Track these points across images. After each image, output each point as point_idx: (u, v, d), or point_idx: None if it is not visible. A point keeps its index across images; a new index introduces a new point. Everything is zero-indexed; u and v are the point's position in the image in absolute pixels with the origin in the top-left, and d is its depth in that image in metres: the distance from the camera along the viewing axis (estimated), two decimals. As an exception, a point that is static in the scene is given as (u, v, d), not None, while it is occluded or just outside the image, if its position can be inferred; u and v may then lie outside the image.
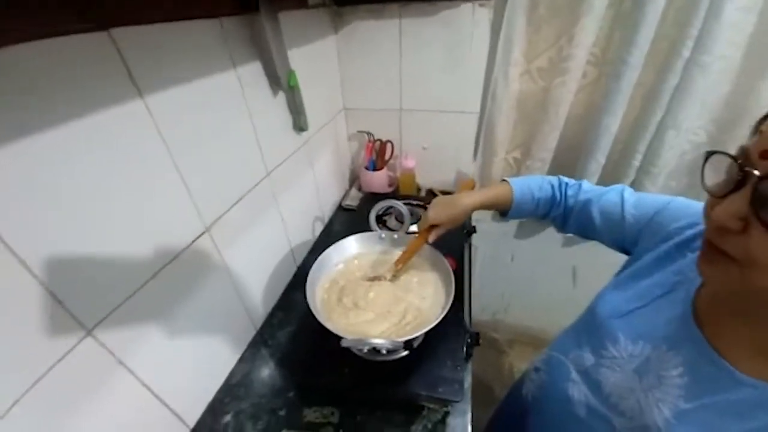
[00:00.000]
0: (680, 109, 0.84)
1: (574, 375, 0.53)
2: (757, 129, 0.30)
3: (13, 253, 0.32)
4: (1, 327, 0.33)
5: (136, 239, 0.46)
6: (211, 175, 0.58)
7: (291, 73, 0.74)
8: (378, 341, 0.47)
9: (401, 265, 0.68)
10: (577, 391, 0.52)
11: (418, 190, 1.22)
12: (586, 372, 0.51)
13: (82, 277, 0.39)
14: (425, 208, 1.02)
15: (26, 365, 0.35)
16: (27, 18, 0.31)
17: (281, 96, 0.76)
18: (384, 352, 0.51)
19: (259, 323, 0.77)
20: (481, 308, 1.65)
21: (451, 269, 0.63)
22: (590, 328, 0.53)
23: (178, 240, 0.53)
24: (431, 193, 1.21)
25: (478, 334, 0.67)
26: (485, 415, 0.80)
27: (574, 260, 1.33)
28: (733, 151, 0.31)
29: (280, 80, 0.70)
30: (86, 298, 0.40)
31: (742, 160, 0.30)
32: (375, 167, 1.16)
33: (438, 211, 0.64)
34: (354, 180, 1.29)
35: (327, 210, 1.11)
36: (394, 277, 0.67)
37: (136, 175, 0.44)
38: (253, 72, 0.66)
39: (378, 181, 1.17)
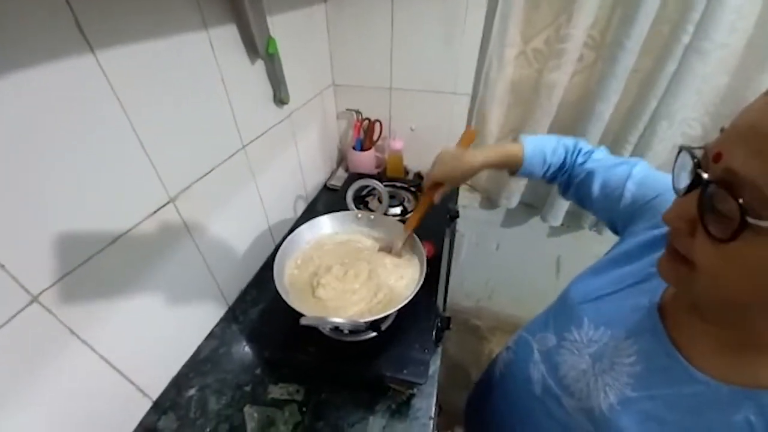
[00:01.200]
0: (675, 98, 0.81)
1: (536, 355, 0.53)
2: (722, 128, 0.28)
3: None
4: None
5: (90, 204, 0.43)
6: (176, 143, 0.55)
7: (270, 40, 0.70)
8: (337, 320, 0.46)
9: (411, 230, 0.65)
10: (537, 370, 0.52)
11: (406, 172, 1.19)
12: (548, 353, 0.51)
13: (27, 241, 0.37)
14: (410, 191, 1.01)
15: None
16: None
17: (260, 64, 0.72)
18: (346, 331, 0.50)
19: (231, 299, 0.76)
20: (465, 294, 1.66)
21: (424, 253, 0.61)
22: (560, 311, 0.53)
23: (137, 208, 0.50)
24: (419, 176, 1.18)
25: (449, 318, 0.67)
26: (463, 400, 0.81)
27: (559, 250, 1.33)
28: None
29: (258, 46, 0.67)
30: (32, 262, 0.38)
31: (700, 160, 0.28)
32: (362, 147, 1.13)
33: (444, 168, 0.60)
34: (342, 160, 1.26)
35: (311, 189, 1.08)
36: (405, 244, 0.65)
37: (88, 137, 0.42)
38: (227, 35, 0.62)
39: (365, 161, 1.14)
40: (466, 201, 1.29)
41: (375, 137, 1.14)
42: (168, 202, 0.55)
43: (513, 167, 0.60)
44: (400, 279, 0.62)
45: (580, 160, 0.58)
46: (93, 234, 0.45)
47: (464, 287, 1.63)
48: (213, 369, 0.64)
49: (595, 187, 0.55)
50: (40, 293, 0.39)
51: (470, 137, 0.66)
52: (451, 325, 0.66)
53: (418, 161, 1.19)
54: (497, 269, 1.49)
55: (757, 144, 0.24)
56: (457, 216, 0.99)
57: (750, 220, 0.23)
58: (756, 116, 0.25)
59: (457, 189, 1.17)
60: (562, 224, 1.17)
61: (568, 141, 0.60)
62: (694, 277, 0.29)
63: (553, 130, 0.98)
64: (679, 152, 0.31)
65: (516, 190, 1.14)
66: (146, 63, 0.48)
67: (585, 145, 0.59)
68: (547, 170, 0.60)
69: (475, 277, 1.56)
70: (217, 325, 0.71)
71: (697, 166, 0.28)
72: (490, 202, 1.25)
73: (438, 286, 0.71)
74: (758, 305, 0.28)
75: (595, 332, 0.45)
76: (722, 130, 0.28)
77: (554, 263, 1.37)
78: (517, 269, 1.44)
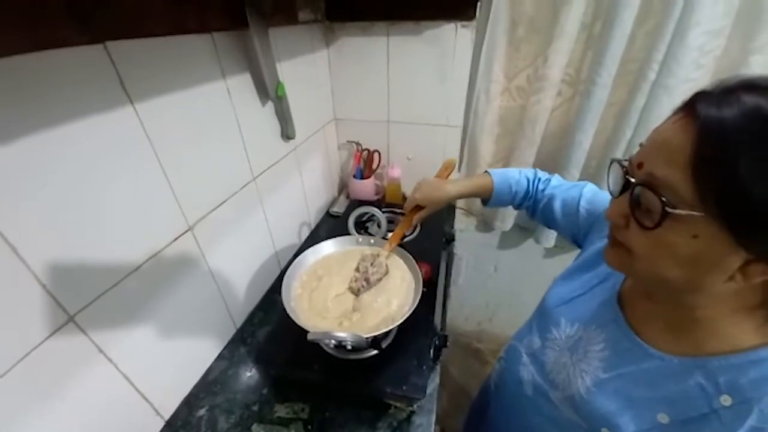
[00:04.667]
0: (647, 129, 0.89)
1: (525, 358, 0.58)
2: (641, 144, 0.36)
3: (3, 238, 0.36)
4: (-12, 308, 0.36)
5: (120, 233, 0.49)
6: (196, 176, 0.61)
7: (279, 85, 0.78)
8: (342, 335, 0.50)
9: (394, 244, 0.72)
10: (527, 372, 0.57)
11: (404, 198, 1.25)
12: (534, 354, 0.56)
13: (66, 265, 0.43)
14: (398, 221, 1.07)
15: (8, 345, 0.38)
16: (28, 30, 0.35)
17: (269, 105, 0.80)
18: (349, 347, 0.54)
19: (239, 322, 0.80)
20: (465, 318, 1.68)
21: (420, 273, 0.66)
22: (540, 316, 0.58)
23: (161, 236, 0.56)
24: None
25: (446, 336, 0.70)
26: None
27: (554, 270, 1.35)
28: None
29: (269, 90, 0.75)
30: (70, 285, 0.43)
31: (627, 169, 0.36)
32: (362, 176, 1.20)
33: (423, 195, 0.69)
34: (343, 188, 1.33)
35: (314, 216, 1.14)
36: (389, 254, 0.71)
37: (123, 173, 0.48)
38: (242, 82, 0.70)
39: (365, 189, 1.21)
40: (463, 225, 1.35)
41: (374, 166, 1.22)
42: (187, 230, 0.61)
43: (484, 196, 0.70)
44: (394, 300, 0.66)
45: (540, 187, 0.67)
46: (122, 261, 0.50)
47: (464, 310, 1.65)
48: (222, 389, 0.67)
49: (557, 208, 0.63)
50: (76, 313, 0.44)
51: (449, 167, 0.74)
52: (448, 343, 0.69)
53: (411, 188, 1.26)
54: (496, 291, 1.52)
55: (669, 155, 0.32)
56: (453, 239, 1.04)
57: (669, 210, 0.31)
58: (667, 134, 0.33)
59: (454, 213, 1.23)
60: (555, 245, 1.22)
61: (529, 172, 0.69)
62: (632, 261, 0.38)
63: (538, 158, 1.05)
64: (610, 164, 0.39)
65: (509, 213, 1.20)
66: (174, 110, 0.55)
67: (543, 174, 0.69)
68: (514, 198, 0.68)
69: (475, 300, 1.59)
70: (226, 347, 0.75)
71: (626, 173, 0.37)
72: (485, 225, 1.31)
73: (435, 306, 0.75)
74: (683, 288, 0.35)
75: (571, 329, 0.52)
76: (641, 145, 0.37)
77: (551, 283, 1.40)
78: (516, 290, 1.47)
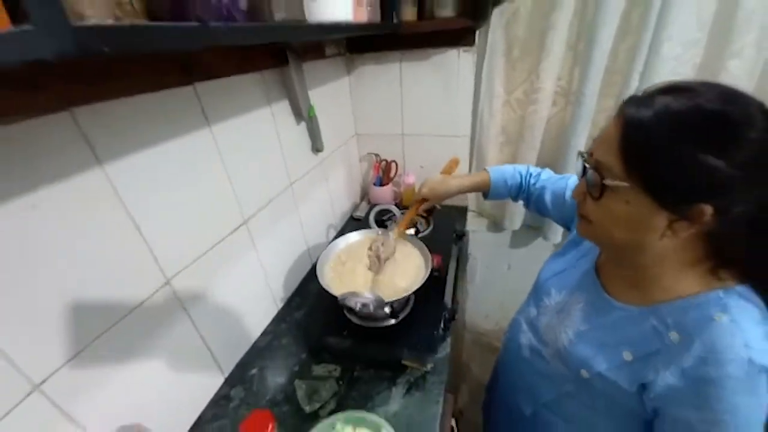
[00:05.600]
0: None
1: (524, 326, 0.69)
2: (594, 138, 0.49)
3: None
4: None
5: (196, 226, 0.66)
6: (249, 182, 0.78)
7: (311, 107, 0.95)
8: (366, 295, 0.64)
9: (403, 228, 0.86)
10: (525, 338, 0.67)
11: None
12: (531, 322, 0.67)
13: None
14: (422, 216, 1.20)
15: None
16: (143, 77, 0.53)
17: (303, 125, 0.97)
18: (371, 308, 0.67)
19: (280, 304, 0.95)
20: (485, 316, 1.75)
21: (430, 256, 0.79)
22: (535, 290, 0.69)
23: (222, 228, 0.72)
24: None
25: (455, 310, 0.82)
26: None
27: (565, 268, 1.43)
28: None
29: (302, 112, 0.92)
30: (170, 253, 0.60)
31: (585, 157, 0.48)
32: (381, 183, 1.36)
33: (429, 188, 0.83)
34: (364, 195, 1.49)
35: (339, 219, 1.30)
36: (399, 236, 0.85)
37: (201, 178, 0.65)
38: (282, 107, 0.88)
39: (384, 195, 1.36)
40: (475, 226, 1.46)
41: (392, 174, 1.37)
42: (242, 224, 0.77)
43: (483, 190, 0.82)
44: (409, 276, 0.79)
45: (532, 180, 0.79)
46: (199, 243, 0.66)
47: (482, 309, 1.73)
48: (269, 355, 0.82)
49: (548, 199, 0.74)
50: (173, 276, 0.60)
51: (453, 165, 0.87)
52: (456, 316, 0.81)
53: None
54: (511, 290, 1.59)
55: (607, 145, 0.45)
56: (464, 235, 1.16)
57: (606, 183, 0.44)
58: (608, 130, 0.45)
59: (466, 214, 1.35)
60: (561, 241, 1.31)
61: (522, 167, 0.81)
62: (592, 229, 0.50)
63: (539, 162, 1.16)
64: (577, 156, 0.52)
65: (518, 213, 1.30)
66: (236, 130, 0.72)
67: (534, 169, 0.80)
68: (510, 191, 0.81)
69: (492, 299, 1.67)
70: (270, 323, 0.90)
71: (585, 161, 0.49)
72: (496, 225, 1.42)
73: (446, 287, 0.87)
74: (632, 247, 0.47)
75: (559, 296, 0.63)
76: (594, 139, 0.49)
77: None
78: (529, 287, 1.54)
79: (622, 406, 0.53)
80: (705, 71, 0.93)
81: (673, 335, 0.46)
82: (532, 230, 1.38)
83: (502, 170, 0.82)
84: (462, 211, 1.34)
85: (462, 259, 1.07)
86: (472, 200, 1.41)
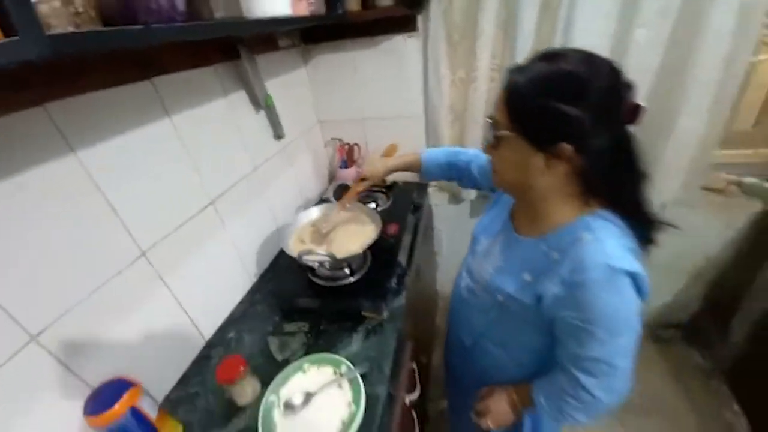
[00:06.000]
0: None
1: (463, 273, 0.81)
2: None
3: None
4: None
5: (161, 204, 0.74)
6: (213, 166, 0.87)
7: (268, 97, 1.04)
8: (320, 252, 0.74)
9: (345, 202, 0.97)
10: (464, 282, 0.80)
11: (383, 181, 1.49)
12: (468, 268, 0.79)
13: (139, 205, 0.68)
14: (383, 193, 1.31)
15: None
16: (105, 75, 0.61)
17: (262, 113, 1.06)
18: (327, 267, 0.77)
19: (254, 279, 1.04)
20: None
21: (379, 219, 0.90)
22: (471, 242, 0.81)
23: (189, 208, 0.81)
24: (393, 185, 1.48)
25: (407, 267, 0.93)
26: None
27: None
28: None
29: (260, 102, 1.01)
30: (144, 224, 0.68)
31: (491, 119, 0.58)
32: (346, 165, 1.45)
33: (366, 169, 0.94)
34: (332, 178, 1.58)
35: (309, 201, 1.39)
36: (341, 209, 0.97)
37: (164, 162, 0.74)
38: (239, 97, 0.96)
39: (349, 176, 1.45)
40: (437, 200, 1.58)
41: (355, 157, 1.46)
42: (209, 204, 0.86)
43: (415, 170, 0.93)
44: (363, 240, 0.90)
45: (463, 158, 0.89)
46: (181, 214, 0.75)
47: (452, 278, 1.86)
48: (245, 321, 0.91)
49: (475, 172, 0.86)
50: (148, 249, 0.69)
51: (392, 149, 0.98)
52: (408, 272, 0.93)
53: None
54: (475, 257, 1.73)
55: (498, 105, 0.56)
56: (421, 207, 1.27)
57: (497, 134, 0.55)
58: (500, 94, 0.56)
59: (425, 189, 1.46)
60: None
61: (451, 149, 0.92)
62: (498, 178, 0.62)
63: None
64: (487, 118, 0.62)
65: (472, 185, 1.42)
66: (195, 119, 0.80)
67: (461, 149, 0.91)
68: (442, 171, 0.91)
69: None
70: (246, 295, 1.00)
71: (490, 121, 0.59)
72: (455, 198, 1.54)
73: (400, 250, 0.98)
74: (524, 186, 0.59)
75: (486, 242, 0.75)
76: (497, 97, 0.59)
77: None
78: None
79: (532, 321, 0.65)
80: (617, 40, 1.05)
81: (555, 255, 0.58)
82: (485, 199, 1.51)
83: (433, 152, 0.93)
84: (422, 187, 1.45)
85: (419, 227, 1.18)
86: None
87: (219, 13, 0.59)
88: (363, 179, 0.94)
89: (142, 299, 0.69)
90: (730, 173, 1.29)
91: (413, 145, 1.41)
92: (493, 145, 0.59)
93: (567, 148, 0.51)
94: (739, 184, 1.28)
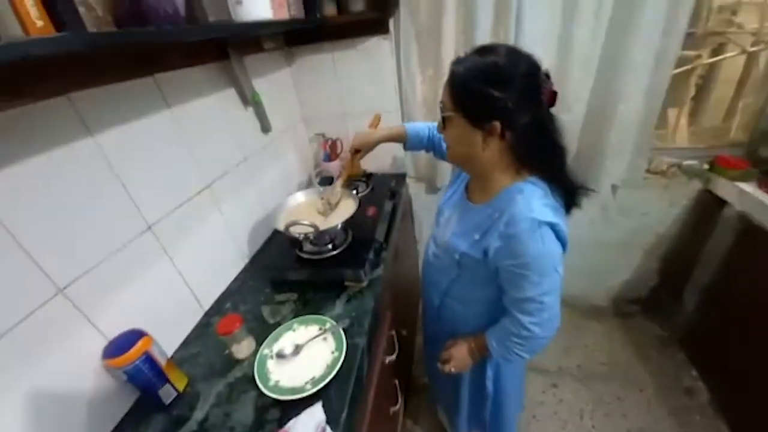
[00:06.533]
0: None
1: (430, 242, 0.93)
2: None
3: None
4: None
5: (164, 184, 0.84)
6: (209, 154, 0.97)
7: (255, 94, 1.15)
8: (304, 222, 0.85)
9: (342, 179, 1.06)
10: (431, 249, 0.92)
11: (364, 172, 1.61)
12: (433, 237, 0.92)
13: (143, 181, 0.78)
14: (364, 182, 1.43)
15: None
16: (117, 70, 0.71)
17: (250, 109, 1.16)
18: (311, 237, 0.88)
19: (247, 259, 1.14)
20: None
21: (357, 199, 1.02)
22: (437, 214, 0.92)
23: (188, 190, 0.91)
24: (372, 174, 1.60)
25: (384, 242, 1.05)
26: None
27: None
28: None
29: (248, 99, 1.11)
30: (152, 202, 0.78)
31: (441, 105, 0.70)
32: (330, 159, 1.56)
33: (358, 140, 1.02)
34: (318, 171, 1.69)
35: (295, 189, 1.49)
36: (342, 186, 1.07)
37: (161, 150, 0.84)
38: (230, 94, 1.07)
39: (332, 169, 1.56)
40: (415, 189, 1.71)
41: (338, 151, 1.58)
42: (205, 187, 0.96)
43: (402, 141, 1.04)
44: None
45: (434, 132, 1.01)
46: (181, 195, 0.85)
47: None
48: (239, 294, 1.01)
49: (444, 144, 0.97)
50: (154, 223, 0.79)
51: (377, 120, 1.09)
52: (385, 246, 1.04)
53: (371, 164, 1.61)
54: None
55: (445, 89, 0.68)
56: (397, 193, 1.39)
57: (444, 114, 0.68)
58: (445, 83, 0.68)
59: (403, 179, 1.59)
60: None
61: (431, 123, 1.03)
62: (450, 152, 0.74)
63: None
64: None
65: (446, 172, 1.55)
66: (192, 112, 0.91)
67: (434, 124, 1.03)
68: (422, 142, 1.03)
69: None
70: (240, 273, 1.10)
71: (441, 105, 0.71)
72: (431, 187, 1.67)
73: (377, 228, 1.10)
74: (470, 159, 0.71)
75: (448, 212, 0.87)
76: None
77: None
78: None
79: (483, 276, 0.78)
80: (561, 39, 1.19)
81: (495, 215, 0.70)
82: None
83: (416, 125, 1.04)
84: (399, 177, 1.57)
85: (397, 211, 1.30)
86: (409, 168, 1.64)
87: (212, 18, 0.70)
88: (357, 151, 1.03)
89: (148, 269, 0.79)
90: (673, 157, 1.45)
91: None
92: (443, 125, 0.71)
93: (497, 125, 0.64)
94: (679, 167, 1.44)
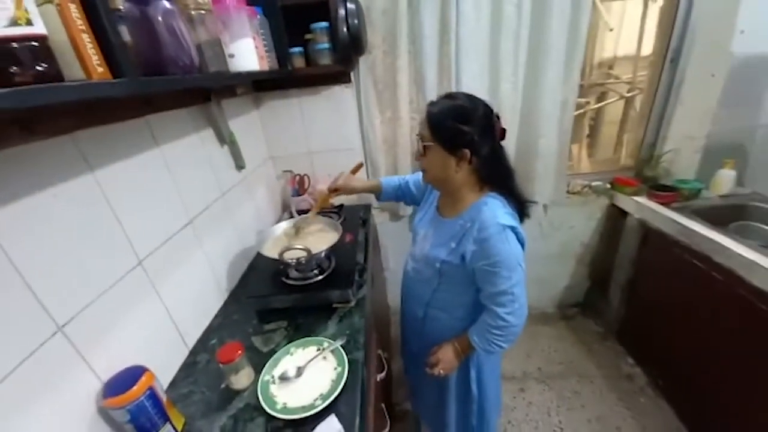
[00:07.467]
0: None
1: (408, 260, 1.04)
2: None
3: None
4: None
5: (151, 219, 0.85)
6: (191, 190, 0.99)
7: (231, 134, 1.21)
8: (298, 247, 0.91)
9: (315, 211, 1.15)
10: (409, 265, 1.02)
11: (332, 204, 1.70)
12: (412, 254, 1.02)
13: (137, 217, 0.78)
14: (334, 212, 1.52)
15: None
16: (120, 111, 0.74)
17: (226, 148, 1.21)
18: (303, 261, 0.93)
19: (226, 294, 1.13)
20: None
21: (340, 227, 1.10)
22: (413, 235, 1.05)
23: (173, 226, 0.92)
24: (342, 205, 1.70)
25: (365, 264, 1.13)
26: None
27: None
28: None
29: (225, 138, 1.17)
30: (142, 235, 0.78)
31: (419, 137, 0.85)
32: (298, 194, 1.63)
33: (341, 182, 1.13)
34: (286, 207, 1.74)
35: (266, 226, 1.52)
36: (313, 215, 1.16)
37: (152, 187, 0.86)
38: (208, 134, 1.12)
39: (301, 203, 1.63)
40: (380, 219, 1.83)
41: (306, 186, 1.66)
42: (187, 224, 0.97)
43: (377, 193, 1.18)
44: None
45: (404, 180, 1.16)
46: (166, 231, 0.85)
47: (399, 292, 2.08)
48: (224, 327, 1.00)
49: (413, 188, 1.13)
50: (144, 258, 0.79)
51: (358, 167, 1.22)
52: (366, 269, 1.12)
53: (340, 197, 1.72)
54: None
55: (424, 126, 0.84)
56: (367, 221, 1.50)
57: (424, 144, 0.83)
58: (423, 118, 0.84)
59: (370, 209, 1.71)
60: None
61: (401, 177, 1.18)
62: (427, 175, 0.88)
63: (414, 163, 1.60)
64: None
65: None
66: (176, 150, 0.94)
67: (402, 176, 1.18)
68: (395, 193, 1.17)
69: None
70: (222, 306, 1.08)
71: (418, 137, 0.86)
72: (394, 215, 1.81)
73: (357, 253, 1.18)
74: (444, 180, 0.86)
75: (423, 230, 0.99)
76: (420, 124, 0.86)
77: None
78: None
79: (462, 280, 0.90)
80: (492, 90, 1.48)
81: (468, 224, 0.85)
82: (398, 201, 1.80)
83: (390, 179, 1.19)
84: (366, 207, 1.69)
85: (369, 237, 1.40)
86: (374, 199, 1.78)
87: (212, 68, 0.79)
88: (336, 190, 1.13)
89: (138, 305, 0.77)
90: (584, 180, 1.80)
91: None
92: (422, 153, 0.86)
93: (467, 152, 0.81)
94: (590, 187, 1.79)
